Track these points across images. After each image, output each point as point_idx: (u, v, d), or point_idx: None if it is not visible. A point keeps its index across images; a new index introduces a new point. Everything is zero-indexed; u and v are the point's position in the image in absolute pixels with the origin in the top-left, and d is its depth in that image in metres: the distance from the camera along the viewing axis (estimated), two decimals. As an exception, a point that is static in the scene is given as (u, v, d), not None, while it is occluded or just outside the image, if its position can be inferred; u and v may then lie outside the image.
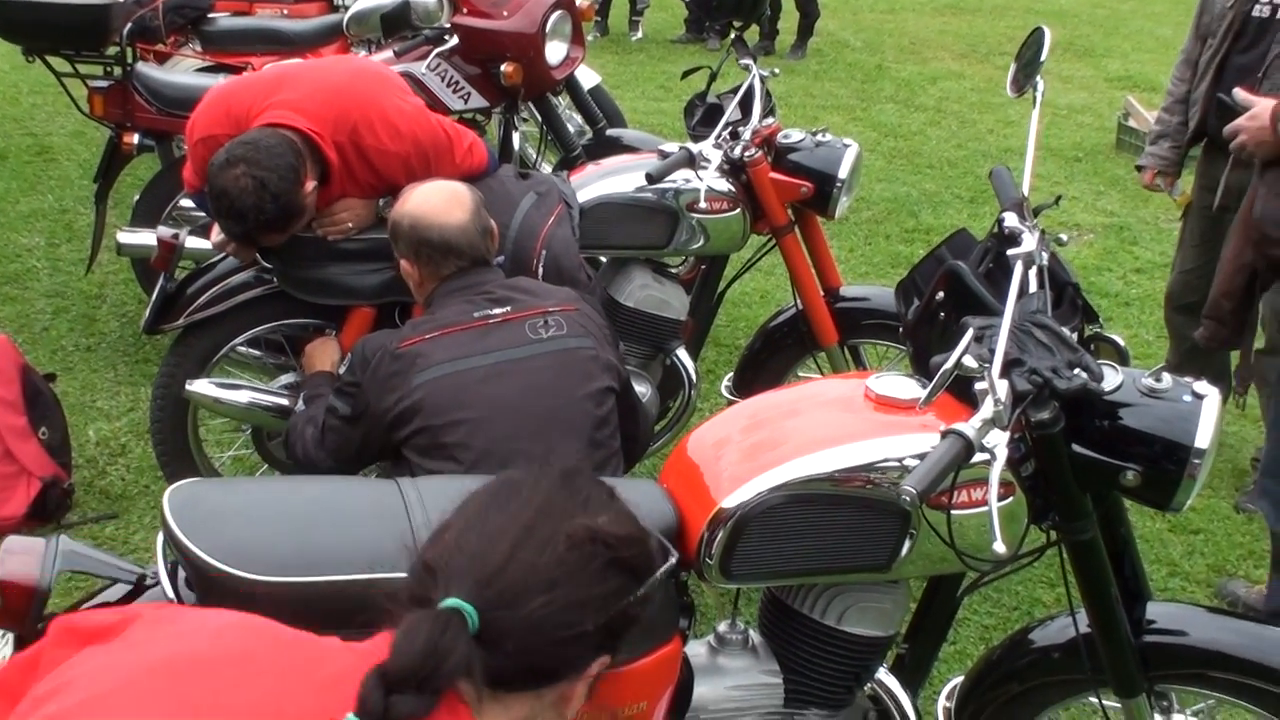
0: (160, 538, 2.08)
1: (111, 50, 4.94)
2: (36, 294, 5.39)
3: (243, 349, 3.57)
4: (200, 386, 3.38)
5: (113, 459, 4.20)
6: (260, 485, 2.62)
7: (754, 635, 2.39)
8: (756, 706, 2.32)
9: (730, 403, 3.86)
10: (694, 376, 3.79)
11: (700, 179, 3.59)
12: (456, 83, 5.00)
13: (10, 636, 2.08)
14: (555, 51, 4.98)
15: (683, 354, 3.79)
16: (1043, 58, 2.75)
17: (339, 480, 2.38)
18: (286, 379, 3.55)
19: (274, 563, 1.93)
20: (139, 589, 2.16)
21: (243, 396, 3.38)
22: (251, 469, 3.97)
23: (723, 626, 2.38)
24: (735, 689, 2.31)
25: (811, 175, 3.70)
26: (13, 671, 1.40)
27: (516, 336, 2.79)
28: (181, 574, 2.05)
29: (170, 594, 2.04)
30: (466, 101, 5.05)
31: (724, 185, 3.65)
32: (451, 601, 1.31)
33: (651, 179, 3.50)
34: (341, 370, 2.94)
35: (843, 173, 3.66)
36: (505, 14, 4.90)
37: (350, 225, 3.37)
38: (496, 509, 1.41)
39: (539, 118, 5.24)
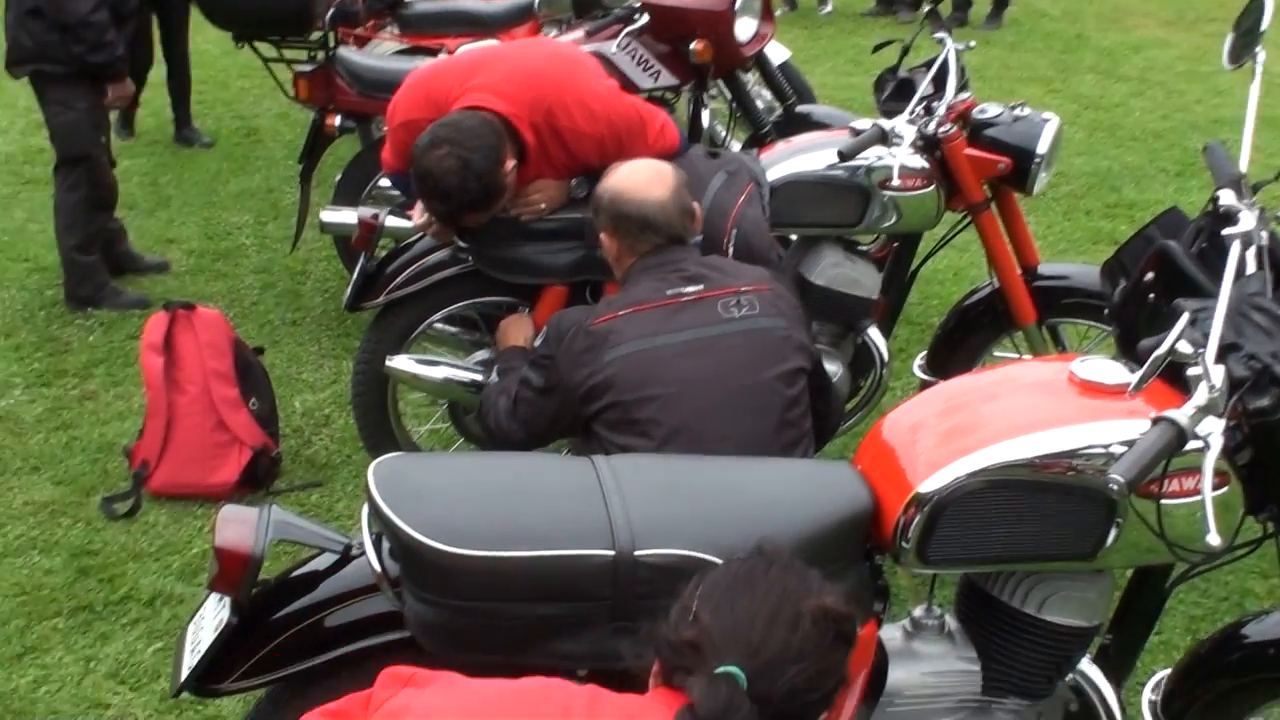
0: (365, 510, 2.15)
1: (315, 35, 5.09)
2: (245, 270, 5.62)
3: (439, 326, 3.65)
4: (399, 363, 3.47)
5: (317, 429, 4.35)
6: (461, 461, 2.69)
7: (950, 621, 2.35)
8: (952, 693, 2.29)
9: (924, 383, 3.81)
10: (886, 355, 3.74)
11: (893, 156, 3.53)
12: (646, 61, 5.02)
13: (227, 600, 2.17)
14: (745, 28, 4.96)
15: (874, 333, 3.73)
16: (1264, 26, 2.62)
17: (536, 457, 2.43)
18: (481, 355, 3.63)
19: (475, 537, 1.98)
20: (345, 559, 2.23)
21: (439, 372, 3.46)
22: (448, 443, 4.07)
23: (918, 611, 2.34)
24: (931, 675, 2.28)
25: (1009, 150, 3.60)
26: (352, 704, 1.68)
27: (709, 315, 2.79)
28: (386, 545, 2.12)
29: (375, 565, 2.11)
30: (656, 80, 5.06)
31: (918, 162, 3.58)
32: (728, 668, 1.55)
33: (843, 156, 3.46)
34: (536, 344, 2.99)
35: (1042, 148, 3.55)
36: (695, -10, 4.90)
37: (544, 205, 3.42)
38: (742, 594, 1.65)
39: (728, 95, 5.22)
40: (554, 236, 3.43)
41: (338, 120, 5.06)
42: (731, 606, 1.64)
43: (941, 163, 3.61)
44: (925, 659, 2.29)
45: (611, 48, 4.89)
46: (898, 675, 2.26)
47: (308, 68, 5.05)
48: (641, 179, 2.97)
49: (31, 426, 4.34)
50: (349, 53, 5.13)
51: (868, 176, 3.56)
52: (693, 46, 4.85)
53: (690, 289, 2.82)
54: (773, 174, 3.56)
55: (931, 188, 3.60)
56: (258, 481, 3.98)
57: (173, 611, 3.43)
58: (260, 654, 2.16)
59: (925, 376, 3.89)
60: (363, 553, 2.16)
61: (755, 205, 3.42)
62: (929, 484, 2.07)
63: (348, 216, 3.95)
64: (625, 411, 2.68)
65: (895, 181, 3.55)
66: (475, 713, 1.59)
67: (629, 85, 4.95)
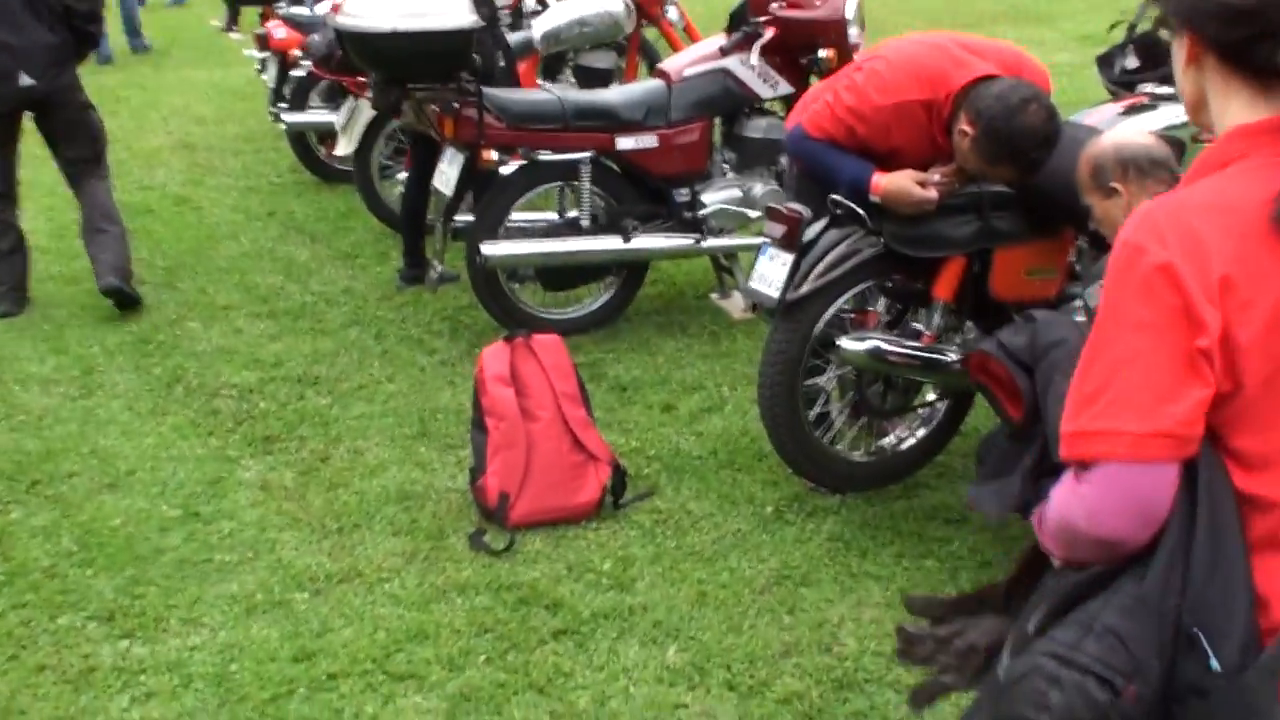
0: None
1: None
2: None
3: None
4: (853, 344, 3.63)
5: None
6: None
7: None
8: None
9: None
10: None
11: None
12: (766, 73, 5.34)
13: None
14: (855, 34, 5.35)
15: None
16: None
17: None
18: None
19: None
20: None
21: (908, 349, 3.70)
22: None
23: None
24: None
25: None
26: None
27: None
28: None
29: None
30: (775, 89, 5.40)
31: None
32: None
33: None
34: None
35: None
36: (817, 4, 5.26)
37: (956, 182, 3.68)
38: None
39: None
40: (957, 211, 3.69)
41: (494, 154, 5.06)
42: None
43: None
44: None
45: (746, 60, 5.19)
46: None
47: (455, 105, 5.02)
48: (1131, 129, 3.31)
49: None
50: (496, 91, 5.14)
51: (1184, 129, 4.00)
52: (823, 54, 5.20)
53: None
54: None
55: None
56: (616, 499, 3.98)
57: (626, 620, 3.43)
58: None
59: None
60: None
61: None
62: None
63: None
64: None
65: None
66: None
67: (752, 96, 5.26)
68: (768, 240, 3.74)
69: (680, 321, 5.58)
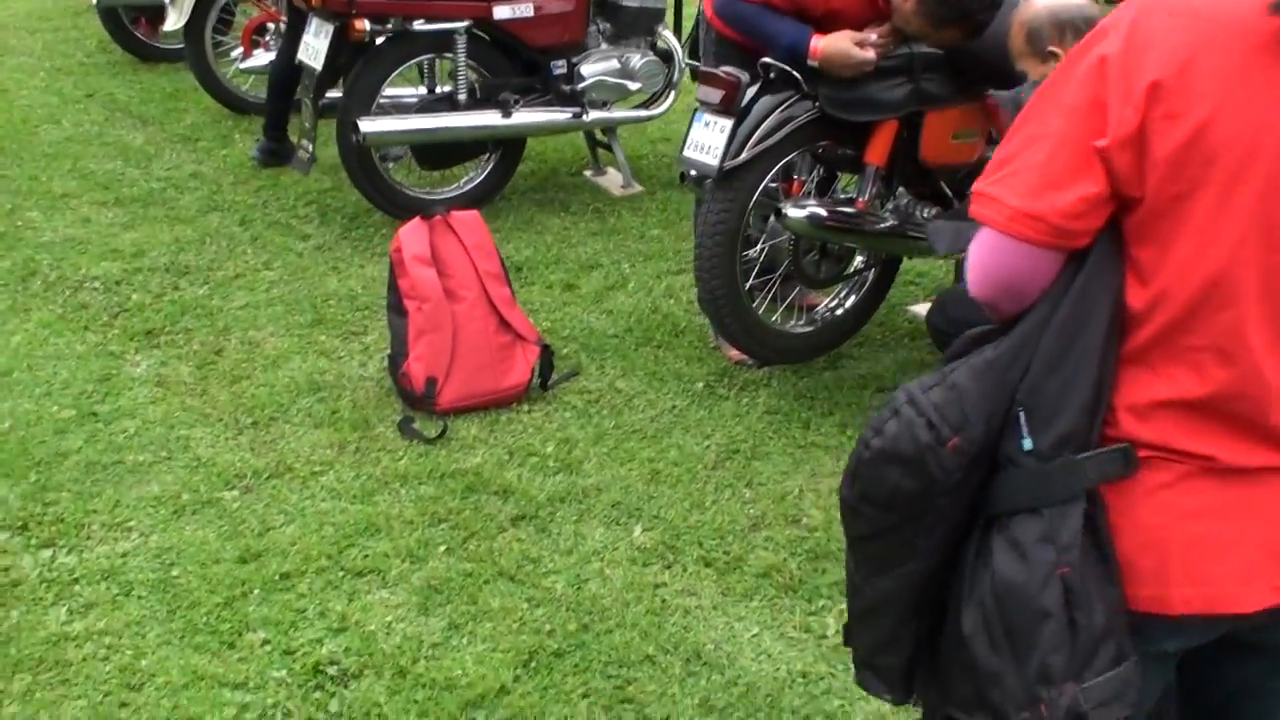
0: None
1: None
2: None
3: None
4: (795, 211, 3.55)
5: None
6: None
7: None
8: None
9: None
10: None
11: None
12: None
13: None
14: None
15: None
16: None
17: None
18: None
19: None
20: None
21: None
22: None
23: None
24: None
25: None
26: None
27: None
28: None
29: None
30: None
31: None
32: None
33: None
34: None
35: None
36: None
37: (891, 43, 3.61)
38: None
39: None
40: (889, 74, 3.63)
41: (366, 25, 4.74)
42: None
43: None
44: None
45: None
46: None
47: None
48: None
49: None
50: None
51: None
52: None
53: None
54: None
55: None
56: (545, 380, 3.84)
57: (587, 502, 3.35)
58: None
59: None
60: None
61: None
62: None
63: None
64: None
65: None
66: None
67: None
68: (703, 106, 3.61)
69: (561, 199, 5.42)
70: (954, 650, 1.53)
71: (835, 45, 3.51)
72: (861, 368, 4.05)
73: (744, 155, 3.53)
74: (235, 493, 3.33)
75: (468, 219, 3.82)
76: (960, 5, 3.37)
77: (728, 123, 3.53)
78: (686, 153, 3.62)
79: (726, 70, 3.57)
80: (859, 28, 3.59)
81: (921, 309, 4.37)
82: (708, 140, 3.56)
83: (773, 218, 3.75)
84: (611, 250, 4.91)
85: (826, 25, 3.58)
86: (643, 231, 5.08)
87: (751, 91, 3.56)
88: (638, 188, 5.50)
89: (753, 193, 3.61)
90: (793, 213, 3.57)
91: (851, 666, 1.74)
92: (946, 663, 1.57)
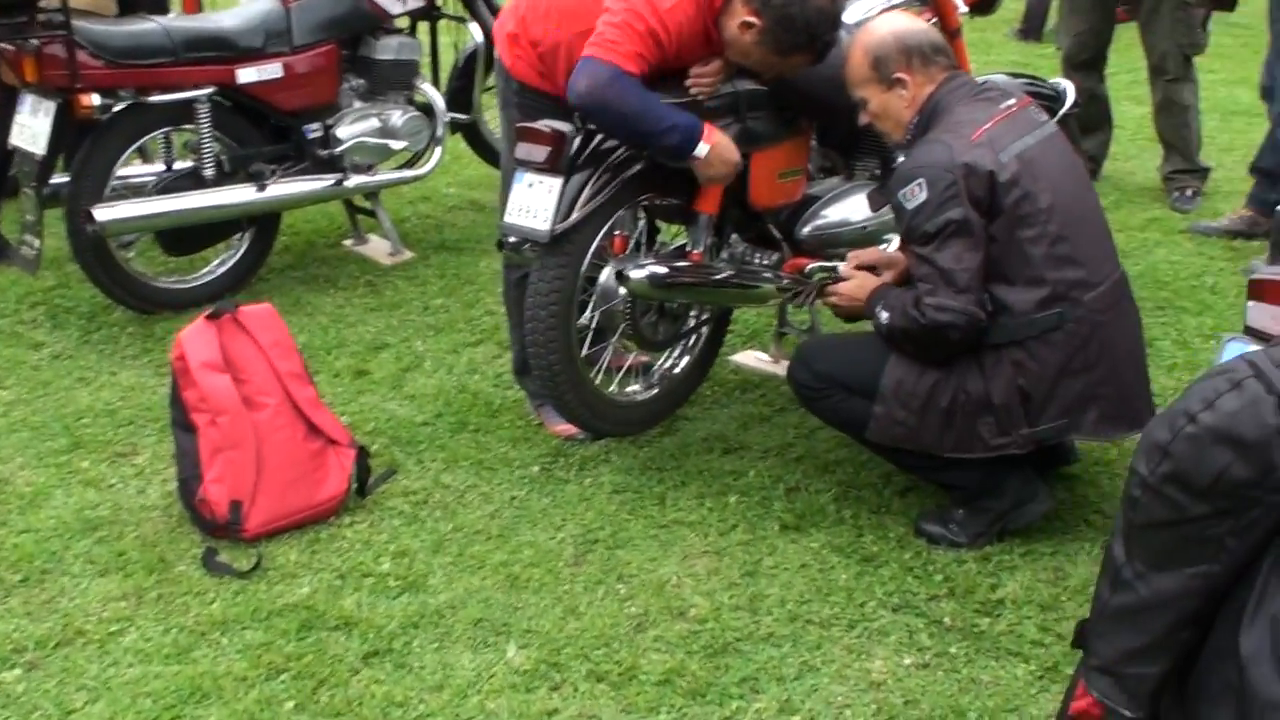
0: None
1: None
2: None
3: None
4: (637, 272, 3.23)
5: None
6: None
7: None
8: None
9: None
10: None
11: None
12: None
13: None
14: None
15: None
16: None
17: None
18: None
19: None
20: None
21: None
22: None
23: None
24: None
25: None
26: None
27: (1030, 123, 3.07)
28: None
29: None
30: (404, 4, 5.05)
31: None
32: None
33: None
34: (910, 203, 2.93)
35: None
36: None
37: (717, 82, 3.35)
38: None
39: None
40: (717, 115, 3.36)
41: (95, 99, 4.17)
42: None
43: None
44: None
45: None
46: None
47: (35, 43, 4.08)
48: (901, 18, 3.14)
49: None
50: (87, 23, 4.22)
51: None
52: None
53: (1011, 102, 3.08)
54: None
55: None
56: (364, 486, 3.39)
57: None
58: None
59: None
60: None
61: None
62: None
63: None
64: (1034, 202, 2.90)
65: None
66: None
67: (380, 14, 4.79)
68: (522, 165, 3.25)
69: (326, 274, 4.94)
70: (1219, 671, 1.28)
71: (725, 142, 3.27)
72: (701, 429, 3.76)
73: (575, 215, 3.20)
74: (17, 671, 2.75)
75: (260, 314, 3.33)
76: (809, 28, 3.14)
77: (555, 181, 3.18)
78: (509, 218, 3.25)
79: (548, 124, 3.22)
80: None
81: (743, 357, 4.15)
82: (532, 203, 3.20)
83: (601, 279, 3.42)
84: (396, 326, 4.47)
85: (671, 74, 3.29)
86: (425, 302, 4.67)
87: (577, 143, 3.22)
88: (408, 254, 5.08)
89: (585, 255, 3.28)
90: (634, 274, 3.26)
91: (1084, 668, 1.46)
92: (1203, 684, 1.31)
